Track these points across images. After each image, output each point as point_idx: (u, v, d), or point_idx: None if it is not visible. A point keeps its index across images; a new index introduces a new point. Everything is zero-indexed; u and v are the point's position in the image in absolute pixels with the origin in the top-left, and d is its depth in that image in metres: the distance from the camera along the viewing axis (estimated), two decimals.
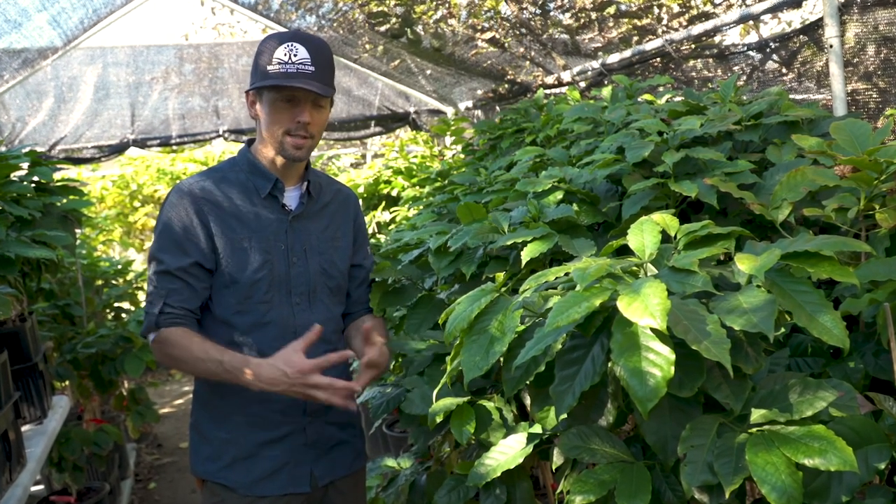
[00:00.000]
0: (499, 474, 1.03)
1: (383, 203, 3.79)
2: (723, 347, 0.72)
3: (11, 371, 1.83)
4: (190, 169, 6.21)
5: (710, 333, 0.73)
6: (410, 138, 4.54)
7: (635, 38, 2.79)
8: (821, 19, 1.81)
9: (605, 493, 0.81)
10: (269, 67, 1.28)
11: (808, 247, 0.81)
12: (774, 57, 2.18)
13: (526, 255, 1.16)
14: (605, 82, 2.73)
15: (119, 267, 4.43)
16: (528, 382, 0.89)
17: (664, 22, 2.75)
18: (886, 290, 0.88)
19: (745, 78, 2.25)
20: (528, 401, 0.96)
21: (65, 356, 3.09)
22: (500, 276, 1.02)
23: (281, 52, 1.28)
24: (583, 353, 0.84)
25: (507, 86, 3.47)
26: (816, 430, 0.73)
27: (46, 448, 1.92)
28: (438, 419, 1.14)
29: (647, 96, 1.81)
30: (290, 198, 1.40)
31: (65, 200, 2.14)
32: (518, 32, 3.06)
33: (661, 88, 2.27)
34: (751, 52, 2.29)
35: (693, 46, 2.38)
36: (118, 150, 3.94)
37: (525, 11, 2.97)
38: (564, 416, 0.82)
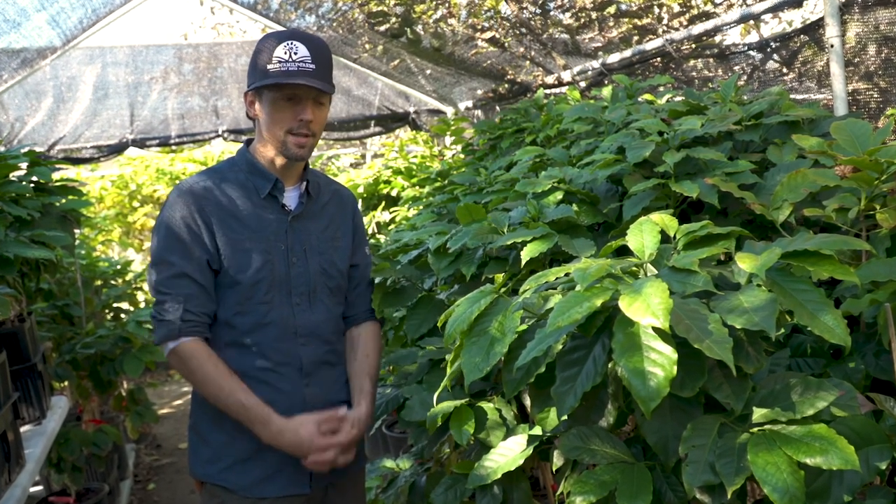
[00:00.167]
0: (499, 476, 1.03)
1: (383, 203, 3.79)
2: (725, 346, 0.72)
3: (10, 371, 1.83)
4: (189, 169, 6.21)
5: (713, 332, 0.73)
6: (410, 138, 4.54)
7: (636, 38, 2.79)
8: (821, 19, 1.81)
9: (606, 493, 0.81)
10: (269, 66, 1.27)
11: (808, 246, 0.81)
12: (775, 57, 2.18)
13: (526, 255, 1.16)
14: (606, 82, 2.73)
15: (118, 267, 4.43)
16: (528, 383, 0.89)
17: (664, 21, 2.74)
18: (887, 290, 0.88)
19: (745, 78, 2.25)
20: (528, 402, 0.96)
21: (64, 356, 3.08)
22: (500, 276, 1.02)
23: (281, 51, 1.27)
24: (584, 354, 0.83)
25: (507, 86, 3.47)
26: (818, 430, 0.73)
27: (45, 449, 1.92)
28: (438, 422, 1.14)
29: (647, 96, 1.81)
30: (290, 198, 1.39)
31: (64, 200, 2.14)
32: (518, 32, 3.06)
33: (661, 88, 2.27)
34: (751, 52, 2.29)
35: (693, 46, 2.38)
36: (117, 150, 3.94)
37: (525, 11, 2.97)
38: (566, 416, 0.82)
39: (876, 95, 1.73)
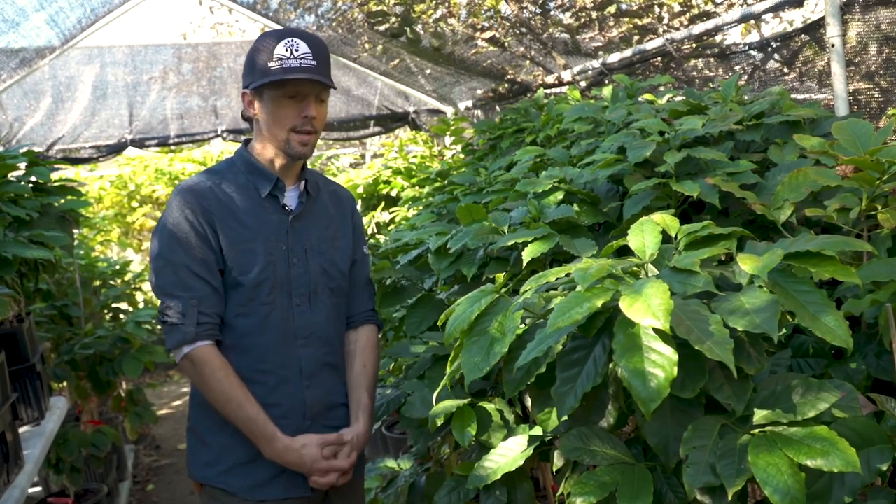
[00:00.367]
0: (499, 476, 1.02)
1: (382, 203, 3.78)
2: (726, 348, 0.71)
3: (9, 372, 1.83)
4: (188, 169, 6.20)
5: (714, 334, 0.73)
6: (410, 138, 4.53)
7: (636, 38, 2.78)
8: (822, 18, 1.80)
9: (607, 494, 0.81)
10: (270, 64, 1.26)
11: (810, 247, 0.81)
12: (776, 56, 2.18)
13: (526, 255, 1.16)
14: (606, 82, 2.73)
15: (117, 267, 4.42)
16: (528, 384, 0.89)
17: (665, 21, 2.74)
18: (888, 290, 0.88)
19: (746, 77, 2.24)
20: (528, 402, 0.96)
21: (62, 357, 3.08)
22: (501, 276, 1.02)
23: (282, 49, 1.26)
24: (584, 354, 0.83)
25: (507, 85, 3.46)
26: (819, 431, 0.72)
27: (44, 449, 1.91)
28: (439, 421, 1.13)
29: (647, 96, 1.81)
30: (289, 197, 1.39)
31: (62, 200, 2.13)
32: (518, 32, 3.05)
33: (662, 88, 2.26)
34: (752, 52, 2.29)
35: (694, 46, 2.38)
36: (116, 149, 3.93)
37: (525, 10, 2.97)
38: (566, 417, 0.81)
39: (877, 95, 1.73)
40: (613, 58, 2.69)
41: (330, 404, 1.38)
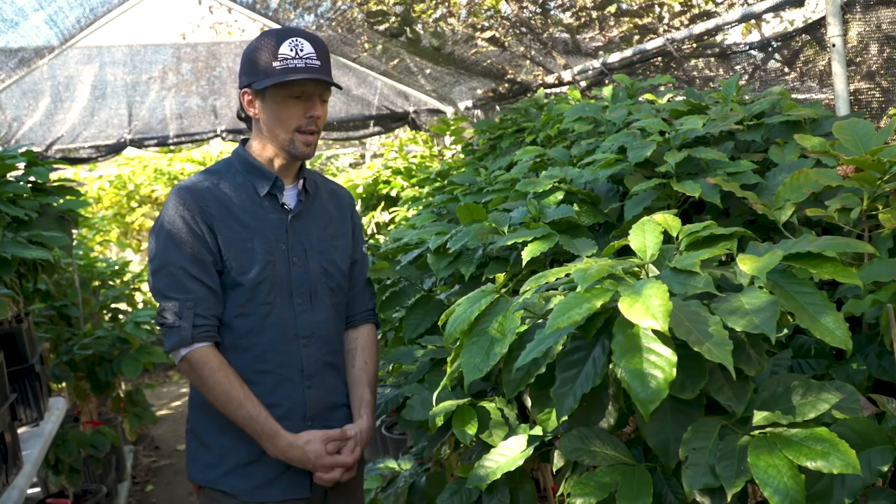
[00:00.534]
0: (499, 476, 1.02)
1: (382, 203, 3.78)
2: (725, 349, 0.71)
3: (8, 373, 1.82)
4: (187, 169, 6.20)
5: (713, 335, 0.73)
6: (410, 138, 4.53)
7: (636, 37, 2.78)
8: (823, 18, 1.80)
9: (607, 495, 0.80)
10: (274, 64, 1.25)
11: (810, 247, 0.81)
12: (776, 56, 2.18)
13: (526, 255, 1.16)
14: (606, 81, 2.72)
15: (116, 268, 4.42)
16: (528, 384, 0.88)
17: (665, 21, 2.74)
18: (889, 290, 0.88)
19: (747, 77, 2.24)
20: (528, 402, 0.96)
21: (61, 358, 3.07)
22: (501, 276, 1.01)
23: (286, 48, 1.25)
24: (584, 355, 0.83)
25: (507, 85, 3.46)
26: (819, 433, 0.72)
27: (43, 450, 1.91)
28: (439, 422, 1.13)
29: (648, 96, 1.80)
30: (288, 196, 1.38)
31: (61, 201, 2.13)
32: (518, 31, 3.05)
33: (662, 88, 2.26)
34: (753, 52, 2.29)
35: (695, 45, 2.38)
36: (115, 149, 3.93)
37: (525, 10, 2.96)
38: (565, 418, 0.81)
39: (878, 95, 1.72)
40: (614, 57, 2.69)
41: (330, 404, 1.38)
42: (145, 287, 5.02)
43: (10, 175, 2.01)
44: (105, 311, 4.10)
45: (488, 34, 3.07)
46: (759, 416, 0.77)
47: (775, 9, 2.02)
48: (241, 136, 3.98)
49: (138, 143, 3.96)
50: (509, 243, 1.20)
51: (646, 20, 2.76)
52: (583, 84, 2.92)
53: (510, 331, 0.88)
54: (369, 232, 3.68)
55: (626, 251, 0.96)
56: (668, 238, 0.93)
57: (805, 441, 0.72)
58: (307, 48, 1.26)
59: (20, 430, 1.97)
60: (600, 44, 2.87)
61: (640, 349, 0.75)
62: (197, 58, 4.11)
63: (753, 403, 0.78)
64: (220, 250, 1.29)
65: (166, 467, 3.98)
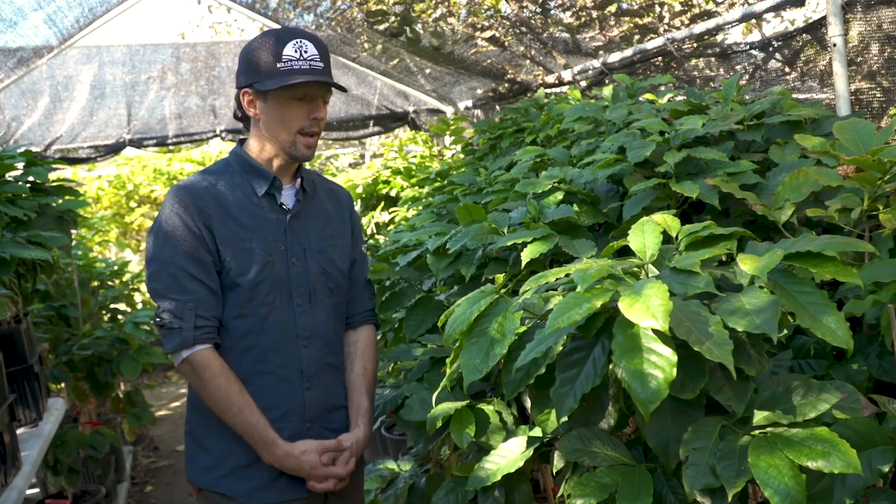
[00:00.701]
0: (499, 478, 1.02)
1: (382, 203, 3.78)
2: (725, 349, 0.71)
3: (6, 373, 1.82)
4: (187, 169, 6.20)
5: (713, 335, 0.73)
6: (409, 138, 4.53)
7: (637, 37, 2.78)
8: (824, 18, 1.80)
9: (607, 496, 0.80)
10: (278, 65, 1.24)
11: (811, 247, 0.80)
12: (777, 56, 2.18)
13: (526, 255, 1.15)
14: (607, 81, 2.72)
15: (115, 268, 4.41)
16: (528, 385, 0.88)
17: (666, 20, 2.74)
18: (890, 291, 0.88)
19: (747, 77, 2.24)
20: (528, 403, 0.95)
21: (60, 358, 3.07)
22: (500, 277, 1.01)
23: (290, 50, 1.25)
24: (584, 355, 0.83)
25: (507, 85, 3.46)
26: (820, 433, 0.72)
27: (42, 451, 1.91)
28: (438, 424, 1.13)
29: (648, 95, 1.80)
30: (286, 196, 1.37)
31: (60, 201, 2.13)
32: (518, 31, 3.05)
33: (662, 88, 2.26)
34: (753, 51, 2.29)
35: (695, 45, 2.37)
36: (114, 149, 3.93)
37: (525, 10, 2.96)
38: (565, 418, 0.81)
39: (879, 95, 1.72)
40: (614, 57, 2.69)
41: (330, 406, 1.37)
42: (144, 287, 5.01)
43: (9, 175, 2.01)
44: (104, 312, 4.09)
45: (488, 34, 3.06)
46: (759, 416, 0.77)
47: (776, 8, 2.01)
48: (240, 137, 3.97)
49: (137, 143, 3.95)
50: (509, 244, 1.19)
51: (646, 20, 2.76)
52: (583, 84, 2.92)
53: (510, 331, 0.88)
54: (369, 232, 3.68)
55: (625, 251, 0.95)
56: (667, 238, 0.93)
57: (806, 441, 0.72)
58: (311, 49, 1.26)
59: (19, 431, 1.96)
60: (600, 43, 2.87)
61: (641, 349, 0.75)
62: (196, 58, 4.11)
63: (754, 403, 0.78)
64: (218, 250, 1.29)
65: (165, 468, 3.98)
